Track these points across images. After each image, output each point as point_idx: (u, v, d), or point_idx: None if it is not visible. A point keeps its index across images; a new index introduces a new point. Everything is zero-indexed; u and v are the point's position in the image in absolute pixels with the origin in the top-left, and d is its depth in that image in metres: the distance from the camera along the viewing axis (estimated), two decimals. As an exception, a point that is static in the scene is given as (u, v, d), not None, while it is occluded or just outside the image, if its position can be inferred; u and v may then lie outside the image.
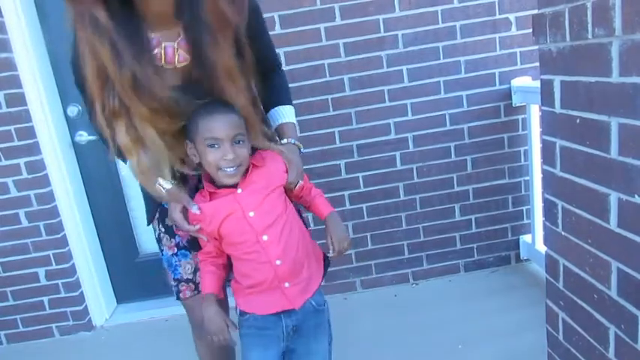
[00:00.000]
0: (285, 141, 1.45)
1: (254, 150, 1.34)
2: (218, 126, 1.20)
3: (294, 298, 1.35)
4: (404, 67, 2.45)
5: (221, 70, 1.22)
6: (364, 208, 2.62)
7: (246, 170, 1.29)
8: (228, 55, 1.21)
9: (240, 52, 1.25)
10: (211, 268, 1.37)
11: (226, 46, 1.20)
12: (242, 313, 1.40)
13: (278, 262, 1.30)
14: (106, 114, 1.18)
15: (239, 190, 1.28)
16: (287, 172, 1.36)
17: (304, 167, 1.47)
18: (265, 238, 1.29)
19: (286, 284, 1.33)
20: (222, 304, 1.42)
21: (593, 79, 1.07)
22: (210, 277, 1.37)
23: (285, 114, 1.49)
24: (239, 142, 1.23)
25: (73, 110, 2.57)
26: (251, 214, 1.28)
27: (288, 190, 1.39)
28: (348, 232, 1.48)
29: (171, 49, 1.22)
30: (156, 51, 1.22)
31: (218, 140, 1.21)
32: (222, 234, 1.31)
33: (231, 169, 1.23)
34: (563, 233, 1.29)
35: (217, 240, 1.34)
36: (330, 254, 1.43)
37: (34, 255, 2.51)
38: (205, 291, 1.36)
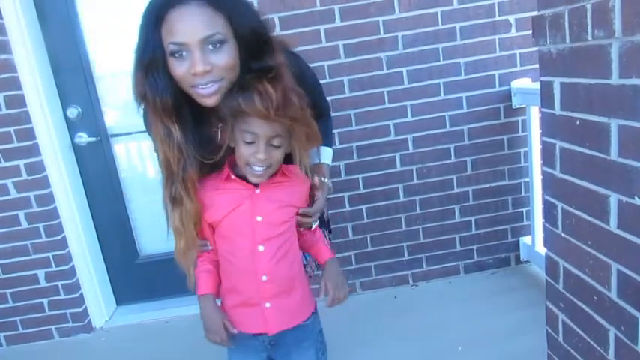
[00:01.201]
0: (325, 180, 1.47)
1: (288, 160, 1.31)
2: (258, 123, 1.16)
3: (272, 322, 1.31)
4: (404, 69, 2.45)
5: None
6: (364, 210, 2.62)
7: (274, 173, 1.27)
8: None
9: None
10: (208, 267, 1.34)
11: None
12: None
13: (264, 278, 1.27)
14: (169, 197, 1.27)
15: (257, 191, 1.26)
16: (309, 202, 1.36)
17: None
18: (261, 248, 1.26)
19: (267, 304, 1.30)
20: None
21: (592, 81, 1.07)
22: (205, 277, 1.34)
23: (323, 154, 1.52)
24: (276, 144, 1.20)
25: (73, 112, 2.57)
26: (258, 218, 1.26)
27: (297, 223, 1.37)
28: (346, 282, 1.41)
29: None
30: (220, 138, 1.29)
31: (255, 136, 1.17)
32: (223, 225, 1.28)
33: (260, 168, 1.20)
34: (563, 235, 1.29)
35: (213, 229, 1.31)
36: (321, 296, 1.36)
37: (33, 256, 2.51)
38: (201, 291, 1.33)
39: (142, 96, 1.17)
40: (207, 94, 1.14)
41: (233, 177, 1.26)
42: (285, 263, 1.30)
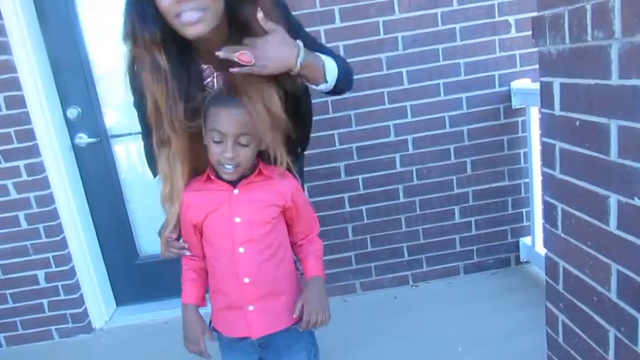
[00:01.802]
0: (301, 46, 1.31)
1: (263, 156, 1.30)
2: (225, 120, 1.18)
3: (255, 325, 1.30)
4: (404, 70, 2.45)
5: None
6: (364, 210, 2.62)
7: (253, 171, 1.27)
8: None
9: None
10: (192, 276, 1.35)
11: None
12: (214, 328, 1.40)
13: (246, 280, 1.26)
14: (157, 141, 1.29)
15: (236, 191, 1.26)
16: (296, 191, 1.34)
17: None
18: (242, 250, 1.25)
19: (250, 307, 1.28)
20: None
21: (592, 82, 1.07)
22: (190, 286, 1.35)
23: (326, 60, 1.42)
24: (243, 142, 1.20)
25: (73, 112, 2.57)
26: (237, 219, 1.25)
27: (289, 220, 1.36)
28: (327, 306, 1.33)
29: (220, 78, 1.33)
30: (208, 80, 1.32)
31: (222, 135, 1.18)
32: (204, 228, 1.28)
33: (230, 166, 1.21)
34: (562, 235, 1.29)
35: (200, 234, 1.31)
36: (294, 315, 1.30)
37: (33, 257, 2.51)
38: (185, 301, 1.35)
39: (130, 34, 1.19)
40: (191, 21, 1.14)
41: (212, 177, 1.27)
42: (271, 265, 1.29)
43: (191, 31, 1.16)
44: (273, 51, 1.20)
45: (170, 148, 1.27)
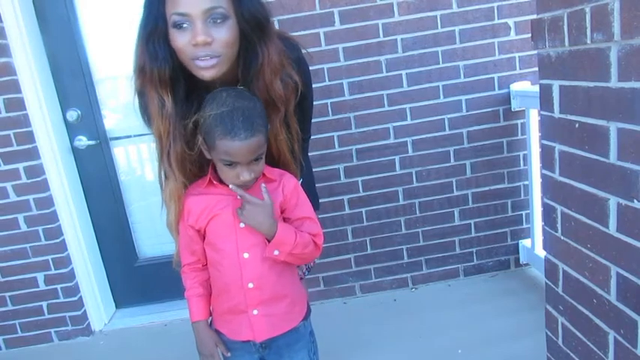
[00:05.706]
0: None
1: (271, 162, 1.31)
2: (237, 152, 1.13)
3: (259, 329, 1.29)
4: (403, 72, 2.45)
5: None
6: (363, 213, 2.62)
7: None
8: (275, 125, 1.30)
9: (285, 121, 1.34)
10: (199, 291, 1.33)
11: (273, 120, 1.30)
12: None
13: (250, 286, 1.25)
14: (164, 171, 1.32)
15: (239, 196, 1.23)
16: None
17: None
18: (246, 255, 1.24)
19: (254, 311, 1.28)
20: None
21: (591, 84, 1.07)
22: (197, 302, 1.34)
23: None
24: (256, 159, 1.18)
25: (73, 115, 2.57)
26: (242, 224, 1.24)
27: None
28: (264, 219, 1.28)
29: None
30: None
31: (235, 162, 1.15)
32: (207, 233, 1.27)
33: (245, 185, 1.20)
34: (562, 238, 1.29)
35: (203, 238, 1.30)
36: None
37: (33, 260, 2.51)
38: (194, 318, 1.33)
39: (140, 68, 1.20)
40: (206, 66, 1.16)
41: (215, 182, 1.25)
42: (275, 270, 1.27)
43: (205, 75, 1.18)
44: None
45: (169, 182, 1.28)
